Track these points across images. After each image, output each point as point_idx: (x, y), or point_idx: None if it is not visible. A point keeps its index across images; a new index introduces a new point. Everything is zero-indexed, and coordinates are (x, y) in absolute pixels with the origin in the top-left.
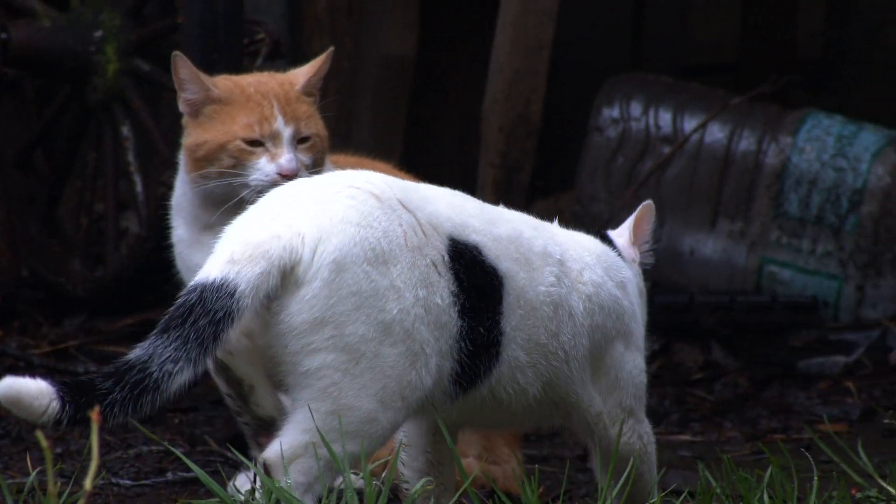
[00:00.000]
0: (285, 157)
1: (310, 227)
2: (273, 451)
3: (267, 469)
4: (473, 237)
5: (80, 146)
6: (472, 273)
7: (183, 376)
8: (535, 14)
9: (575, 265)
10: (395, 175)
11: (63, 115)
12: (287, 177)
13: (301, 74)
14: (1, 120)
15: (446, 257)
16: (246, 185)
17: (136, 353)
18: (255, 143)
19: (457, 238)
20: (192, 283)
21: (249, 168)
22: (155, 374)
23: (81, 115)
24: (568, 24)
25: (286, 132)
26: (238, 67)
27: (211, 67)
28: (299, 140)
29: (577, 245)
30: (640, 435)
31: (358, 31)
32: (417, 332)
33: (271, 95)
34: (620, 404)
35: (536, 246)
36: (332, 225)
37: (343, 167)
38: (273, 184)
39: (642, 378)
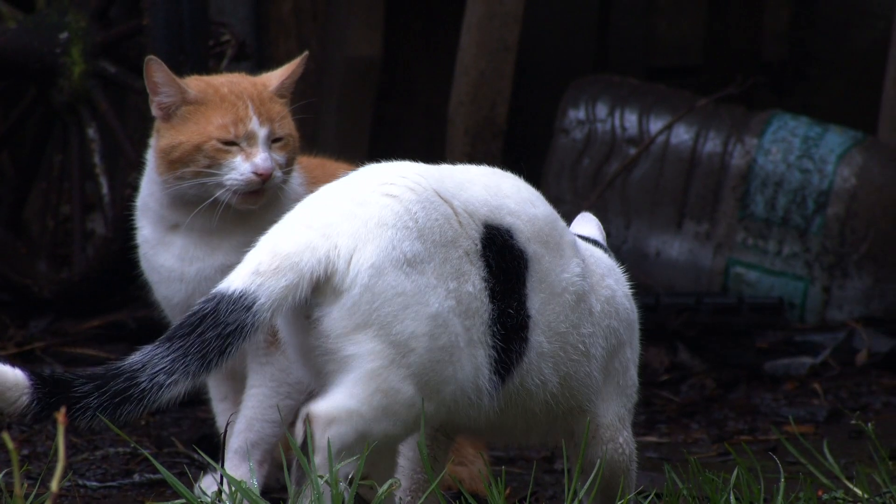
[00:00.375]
0: (260, 157)
1: (344, 234)
2: (319, 406)
3: (308, 420)
4: (508, 219)
5: (45, 148)
6: (502, 256)
7: (175, 389)
8: (500, 16)
9: (595, 267)
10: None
11: (29, 117)
12: (262, 176)
13: (275, 77)
14: None
15: (479, 245)
16: (221, 185)
17: (133, 358)
18: (230, 143)
19: (491, 223)
20: (212, 290)
21: (225, 168)
22: (143, 385)
23: (47, 116)
24: (533, 26)
25: (261, 132)
26: (204, 69)
27: (177, 69)
28: (273, 140)
29: (592, 250)
30: (627, 446)
31: (323, 33)
32: (451, 324)
33: (245, 96)
34: (618, 413)
35: (568, 235)
36: (368, 230)
37: (307, 169)
38: (248, 183)
39: (636, 389)
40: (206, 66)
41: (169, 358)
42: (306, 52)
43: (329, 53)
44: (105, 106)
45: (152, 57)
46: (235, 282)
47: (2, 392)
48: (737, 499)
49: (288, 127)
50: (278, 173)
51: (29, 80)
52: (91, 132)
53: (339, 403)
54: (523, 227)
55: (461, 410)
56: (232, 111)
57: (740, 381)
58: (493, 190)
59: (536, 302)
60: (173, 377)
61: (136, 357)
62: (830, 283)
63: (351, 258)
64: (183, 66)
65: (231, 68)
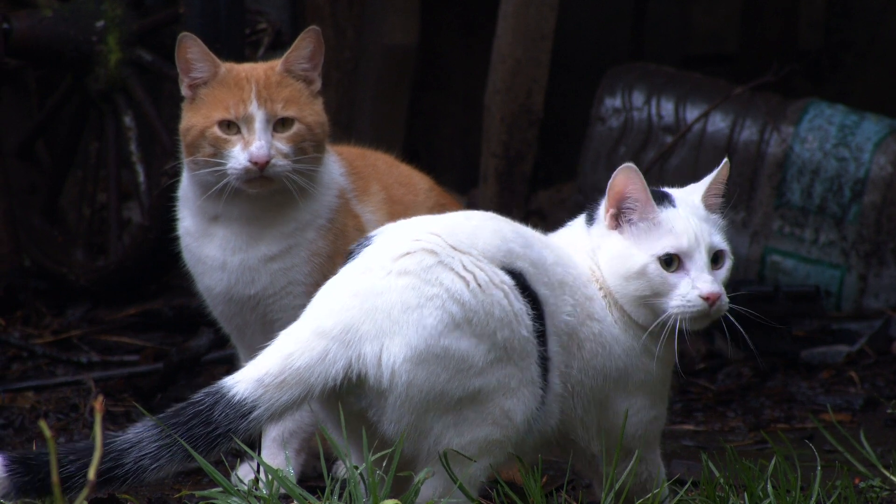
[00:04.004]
0: (256, 145)
1: (367, 336)
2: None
3: None
4: (518, 264)
5: (81, 136)
6: (527, 299)
7: (159, 473)
8: (536, 4)
9: (582, 294)
10: (394, 166)
11: (65, 106)
12: (258, 164)
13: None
14: (3, 110)
15: (511, 283)
16: (225, 174)
17: (125, 435)
18: (232, 127)
19: (507, 267)
20: (218, 383)
21: (226, 156)
22: (127, 467)
23: (83, 105)
24: (570, 14)
25: (259, 115)
26: (240, 57)
27: None
28: (278, 124)
29: (580, 271)
30: (647, 476)
31: (360, 21)
32: (502, 369)
33: (252, 80)
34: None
35: (557, 273)
36: (391, 322)
37: (348, 159)
38: (246, 171)
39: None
40: (242, 54)
41: (156, 444)
42: (312, 27)
43: (365, 42)
44: (141, 94)
45: (186, 33)
46: (239, 384)
47: None
48: (773, 487)
49: (296, 109)
50: (280, 161)
51: (65, 69)
52: (127, 120)
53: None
54: (530, 270)
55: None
56: (236, 94)
57: (777, 370)
58: (500, 236)
59: (553, 344)
60: (158, 463)
61: (128, 435)
62: (867, 272)
63: (380, 359)
64: (219, 54)
65: (267, 56)
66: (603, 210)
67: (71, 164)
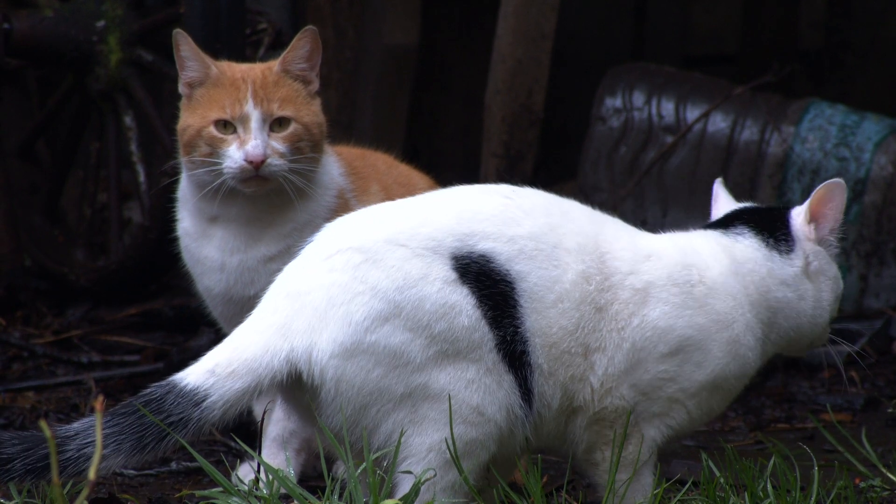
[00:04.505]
0: (251, 143)
1: (297, 331)
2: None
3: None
4: (482, 245)
5: (82, 136)
6: (483, 283)
7: (105, 462)
8: (537, 4)
9: (623, 266)
10: (394, 166)
11: (65, 106)
12: (253, 163)
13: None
14: (3, 110)
15: (455, 275)
16: (221, 174)
17: (72, 425)
18: (228, 127)
19: (461, 253)
20: (170, 378)
21: (222, 156)
22: (69, 454)
23: (84, 105)
24: (570, 13)
25: (254, 114)
26: (241, 57)
27: (213, 57)
28: (275, 124)
29: (658, 253)
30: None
31: (360, 20)
32: (454, 363)
33: (249, 80)
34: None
35: (569, 240)
36: (316, 319)
37: (348, 159)
38: (241, 171)
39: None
40: (242, 54)
41: (104, 433)
42: (310, 27)
43: (366, 42)
44: (142, 94)
45: (179, 30)
46: (190, 376)
47: None
48: (773, 487)
49: (293, 109)
50: (276, 160)
51: (66, 69)
52: (128, 120)
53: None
54: (502, 248)
55: (519, 426)
56: (233, 94)
57: (777, 369)
58: (468, 216)
59: (530, 322)
60: (104, 451)
61: (75, 425)
62: (867, 272)
63: (311, 355)
64: (219, 54)
65: (268, 56)
66: (809, 228)
67: (71, 164)
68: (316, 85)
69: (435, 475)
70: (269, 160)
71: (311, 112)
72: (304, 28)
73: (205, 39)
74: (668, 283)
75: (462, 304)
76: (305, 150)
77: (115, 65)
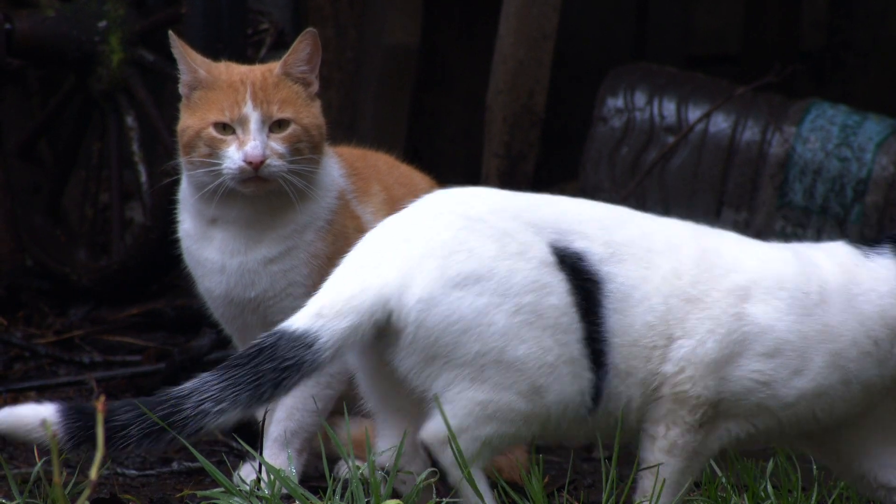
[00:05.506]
0: (250, 144)
1: (394, 271)
2: (427, 431)
3: (426, 449)
4: (578, 244)
5: (84, 136)
6: (576, 278)
7: (222, 418)
8: (539, 4)
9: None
10: (395, 166)
11: (67, 105)
12: (252, 164)
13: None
14: (5, 110)
15: (553, 258)
16: (220, 174)
17: (184, 385)
18: (227, 129)
19: (559, 243)
20: (275, 328)
21: (221, 157)
22: (186, 412)
23: (85, 105)
24: (572, 14)
25: (254, 116)
26: (242, 57)
27: (215, 57)
28: (274, 125)
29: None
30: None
31: (361, 21)
32: (531, 336)
33: (248, 81)
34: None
35: (659, 244)
36: (413, 265)
37: (348, 159)
38: (241, 171)
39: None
40: (244, 54)
41: (219, 386)
42: (310, 29)
43: (367, 42)
44: (143, 94)
45: (171, 33)
46: (298, 321)
47: (26, 434)
48: (774, 487)
49: (293, 111)
50: (275, 161)
51: (67, 69)
52: (129, 120)
53: (441, 426)
54: (596, 250)
55: (569, 422)
56: (231, 96)
57: None
58: (570, 216)
59: (612, 322)
60: (222, 405)
61: (187, 384)
62: None
63: (402, 295)
64: (221, 54)
65: (269, 57)
66: None
67: (73, 164)
68: (316, 87)
69: (437, 476)
70: (268, 161)
71: (311, 114)
72: (305, 31)
73: (206, 39)
74: (775, 286)
75: (555, 285)
76: (305, 152)
77: (116, 65)
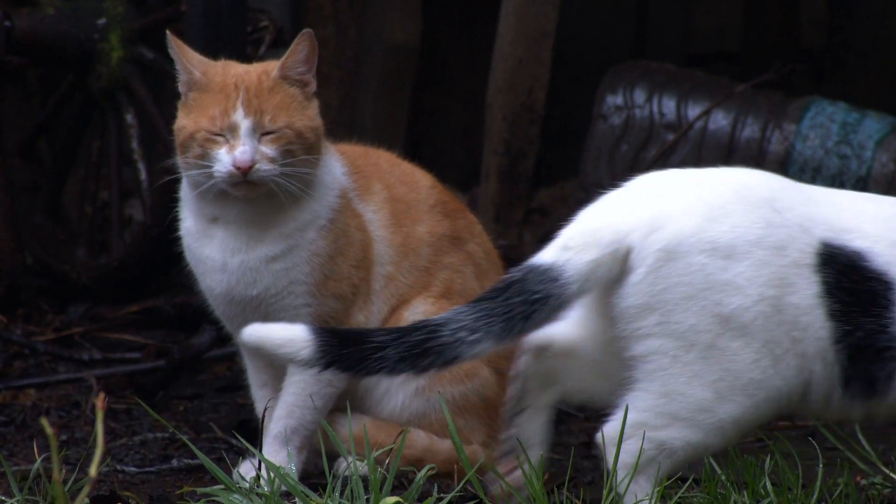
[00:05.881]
0: (240, 150)
1: (648, 214)
2: (607, 425)
3: (597, 447)
4: (857, 243)
5: (83, 134)
6: (847, 277)
7: (477, 347)
8: (538, 2)
9: None
10: (397, 164)
11: (67, 104)
12: (241, 169)
13: (279, 61)
14: (5, 108)
15: (813, 260)
16: (211, 176)
17: (435, 317)
18: (218, 133)
19: (833, 243)
20: (523, 264)
21: (213, 159)
22: (444, 339)
23: (85, 103)
24: (571, 12)
25: (244, 124)
26: (242, 56)
27: (214, 56)
28: (265, 132)
29: None
30: None
31: (361, 19)
32: (763, 330)
33: (242, 86)
34: None
35: None
36: (671, 214)
37: (350, 157)
38: (230, 175)
39: None
40: (244, 52)
41: (473, 317)
42: (307, 30)
43: (367, 40)
44: (143, 92)
45: (168, 32)
46: (545, 256)
47: (274, 350)
48: (774, 484)
49: (286, 118)
50: (264, 166)
51: (67, 67)
52: (129, 118)
53: (622, 419)
54: (882, 251)
55: (799, 408)
56: (223, 102)
57: None
58: (850, 214)
59: None
60: (476, 335)
61: (443, 315)
62: None
63: (648, 236)
64: (220, 52)
65: (269, 55)
66: None
67: (73, 162)
68: (313, 86)
69: (435, 470)
70: (257, 166)
71: (306, 116)
72: (302, 31)
73: (206, 38)
74: None
75: (802, 286)
76: (298, 154)
77: (116, 63)
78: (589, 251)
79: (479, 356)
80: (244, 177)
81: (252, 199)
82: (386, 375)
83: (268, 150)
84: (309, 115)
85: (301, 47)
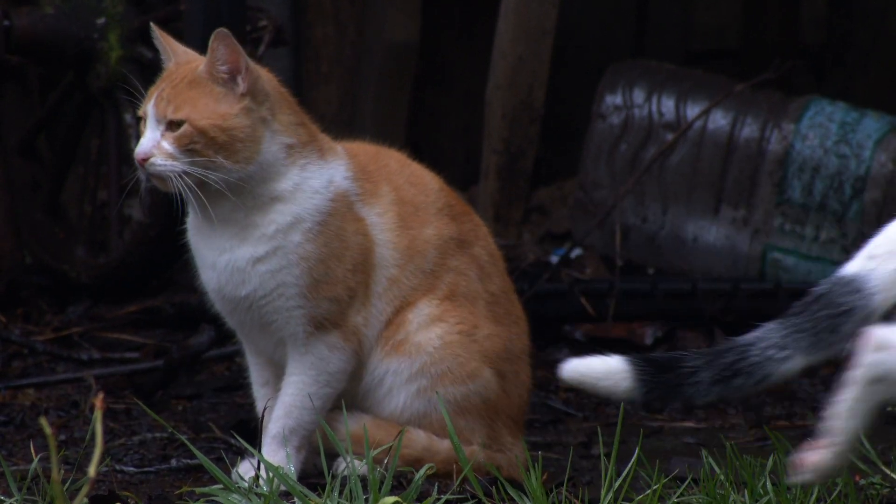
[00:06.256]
0: (141, 139)
1: None
2: (878, 329)
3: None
4: None
5: (83, 133)
6: None
7: (788, 364)
8: (538, 0)
9: None
10: (406, 165)
11: (66, 103)
12: (138, 160)
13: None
14: (4, 107)
15: None
16: None
17: (743, 337)
18: (142, 119)
19: None
20: (831, 276)
21: None
22: (753, 359)
23: (84, 101)
24: (571, 10)
25: (150, 112)
26: None
27: None
28: (172, 124)
29: None
30: None
31: (361, 17)
32: None
33: (173, 77)
34: None
35: None
36: None
37: (356, 157)
38: (138, 166)
39: None
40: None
41: (781, 334)
42: (220, 29)
43: (367, 39)
44: (142, 91)
45: (151, 24)
46: (851, 266)
47: (594, 384)
48: (773, 484)
49: (190, 111)
50: (160, 160)
51: (66, 66)
52: (128, 117)
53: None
54: None
55: None
56: (152, 90)
57: None
58: None
59: None
60: (785, 352)
61: (747, 335)
62: None
63: None
64: None
65: (268, 54)
66: None
67: (72, 161)
68: (243, 86)
69: (434, 470)
70: (152, 159)
71: (218, 115)
72: (214, 32)
73: (205, 36)
74: None
75: None
76: (205, 153)
77: (115, 62)
78: (894, 259)
79: (788, 374)
80: (144, 168)
81: (224, 196)
82: (700, 399)
83: (167, 144)
84: (219, 114)
85: (215, 46)
